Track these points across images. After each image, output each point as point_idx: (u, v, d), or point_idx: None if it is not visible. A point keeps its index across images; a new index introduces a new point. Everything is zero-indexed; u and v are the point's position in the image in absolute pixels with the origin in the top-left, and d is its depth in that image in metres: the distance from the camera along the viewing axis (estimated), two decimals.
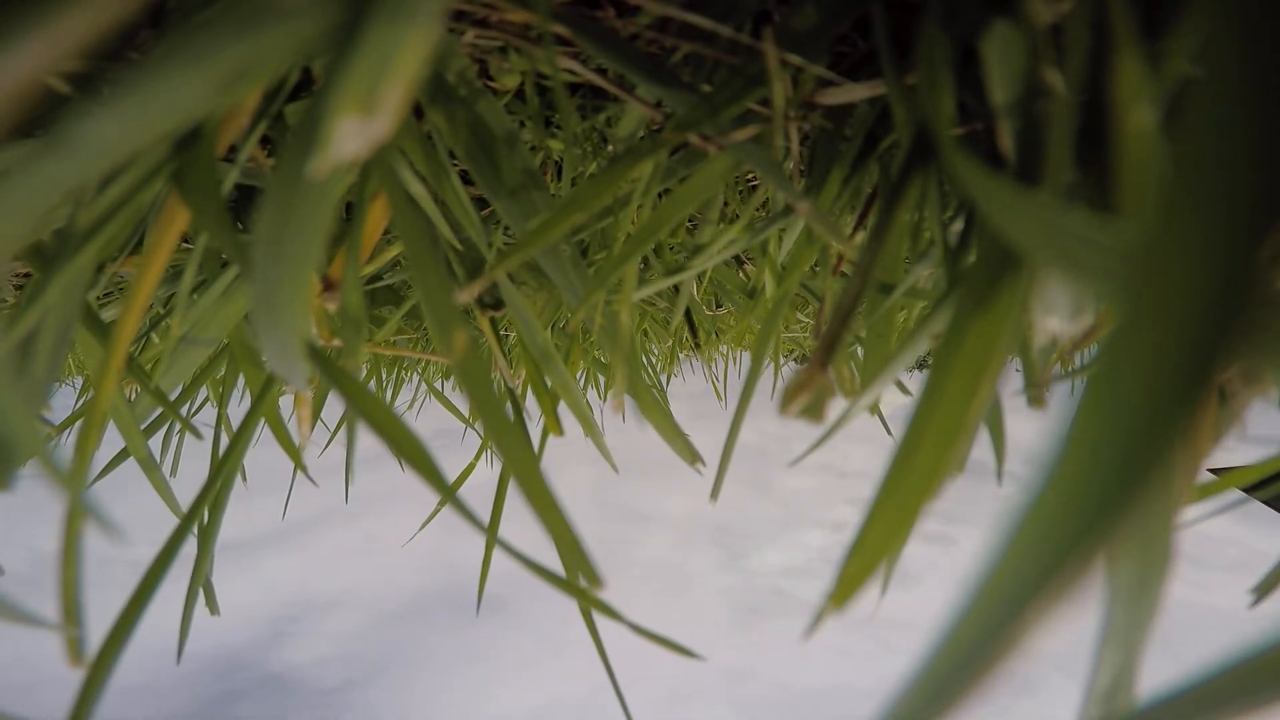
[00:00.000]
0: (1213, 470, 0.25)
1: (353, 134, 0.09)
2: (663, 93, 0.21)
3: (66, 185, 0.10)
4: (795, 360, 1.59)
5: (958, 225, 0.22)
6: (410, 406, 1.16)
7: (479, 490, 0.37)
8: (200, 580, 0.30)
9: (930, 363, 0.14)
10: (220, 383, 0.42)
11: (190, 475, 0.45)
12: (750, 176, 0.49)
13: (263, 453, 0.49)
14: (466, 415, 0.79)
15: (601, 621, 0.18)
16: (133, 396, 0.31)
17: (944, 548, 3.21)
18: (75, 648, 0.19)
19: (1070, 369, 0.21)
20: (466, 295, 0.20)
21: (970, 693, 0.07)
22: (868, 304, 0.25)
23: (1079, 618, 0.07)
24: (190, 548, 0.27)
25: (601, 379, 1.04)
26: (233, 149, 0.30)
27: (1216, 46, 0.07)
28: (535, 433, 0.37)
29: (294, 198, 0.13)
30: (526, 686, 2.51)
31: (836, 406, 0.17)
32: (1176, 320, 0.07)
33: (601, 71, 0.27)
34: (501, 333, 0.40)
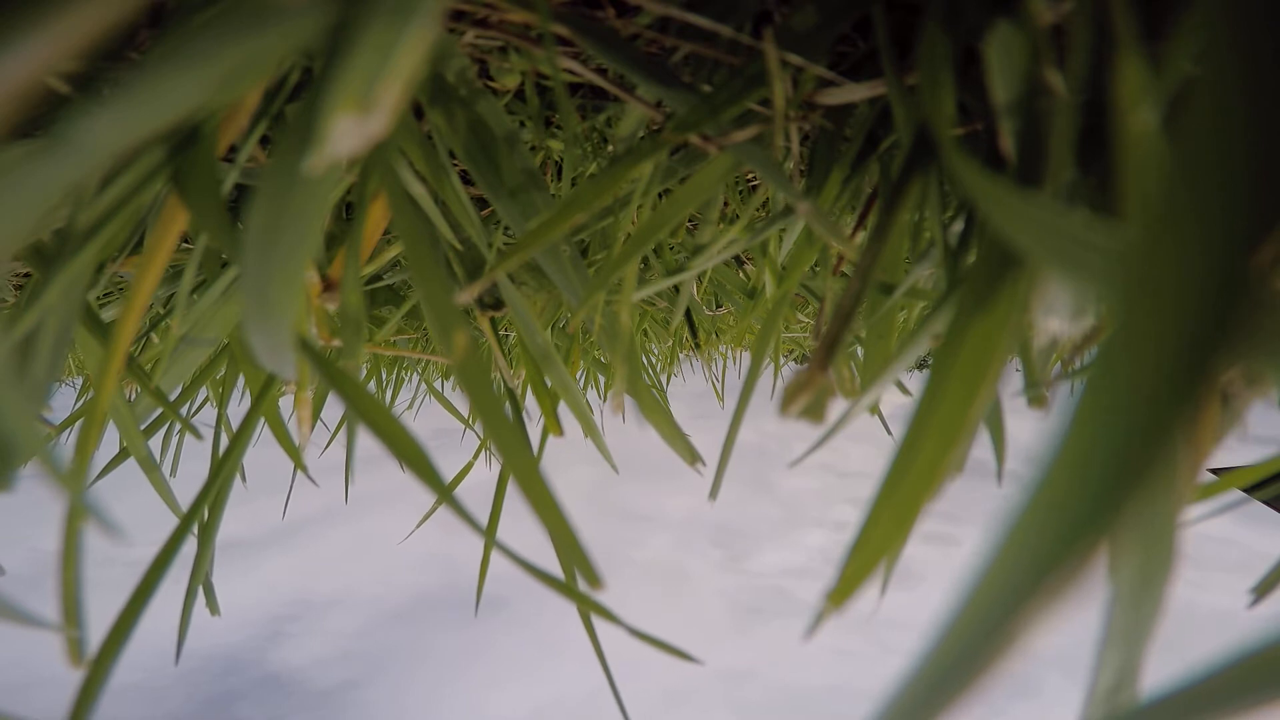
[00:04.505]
0: (1213, 470, 0.25)
1: (349, 132, 0.09)
2: (663, 93, 0.21)
3: (66, 185, 0.10)
4: (795, 360, 1.59)
5: (958, 225, 0.22)
6: (410, 406, 1.16)
7: (480, 490, 0.37)
8: (200, 580, 0.30)
9: (930, 363, 0.14)
10: (220, 383, 0.42)
11: (190, 475, 0.45)
12: (750, 176, 0.49)
13: (263, 453, 0.49)
14: (466, 415, 0.79)
15: (600, 622, 0.18)
16: (133, 396, 0.31)
17: (944, 548, 3.20)
18: (75, 648, 0.19)
19: (1071, 370, 0.21)
20: (466, 295, 0.20)
21: (967, 693, 0.07)
22: (868, 304, 0.25)
23: (1078, 618, 0.07)
24: (190, 548, 0.27)
25: (601, 379, 1.04)
26: (233, 149, 0.30)
27: (1217, 46, 0.07)
28: (535, 433, 0.37)
29: (288, 192, 0.13)
30: (525, 687, 2.51)
31: (836, 407, 0.17)
32: (1175, 320, 0.07)
33: (602, 71, 0.27)
34: (501, 333, 0.40)
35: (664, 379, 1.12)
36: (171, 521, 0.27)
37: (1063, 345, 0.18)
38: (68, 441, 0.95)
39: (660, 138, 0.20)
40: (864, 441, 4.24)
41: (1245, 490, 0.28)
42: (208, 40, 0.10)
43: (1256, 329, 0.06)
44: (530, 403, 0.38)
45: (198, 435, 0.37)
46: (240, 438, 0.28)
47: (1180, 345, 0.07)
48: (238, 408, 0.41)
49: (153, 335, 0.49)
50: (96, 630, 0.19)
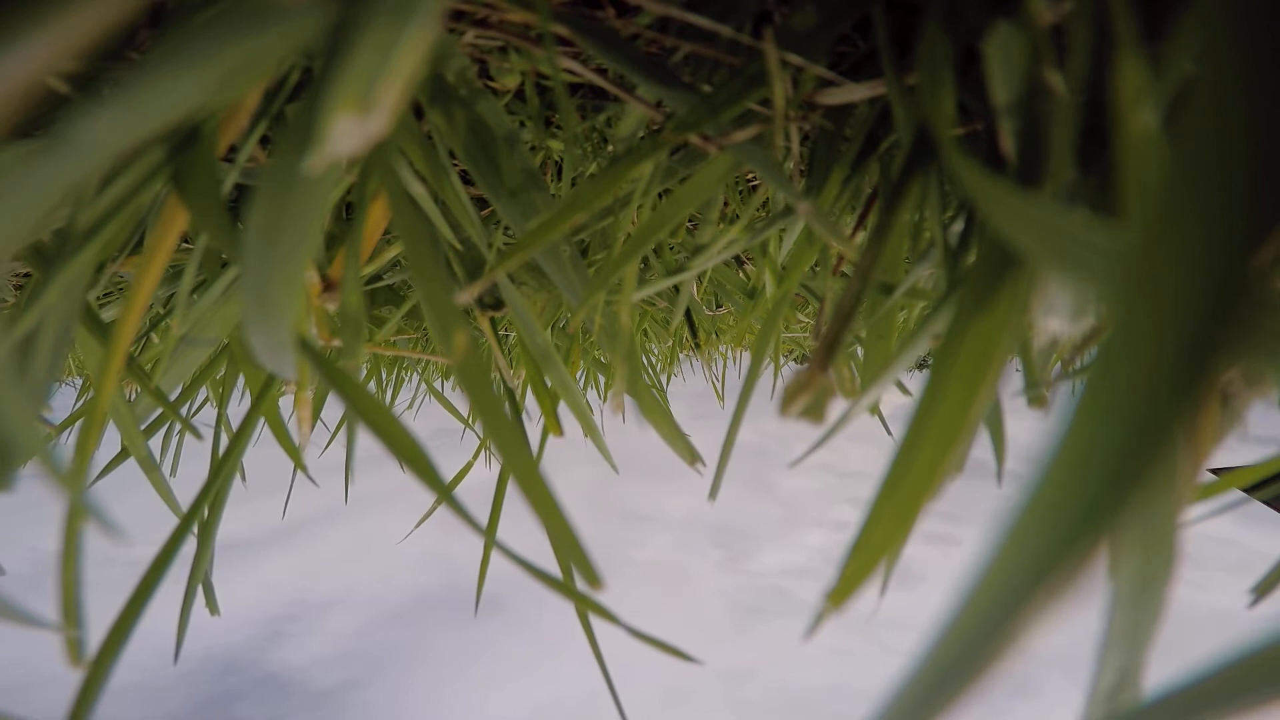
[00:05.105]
0: (1213, 470, 0.25)
1: (349, 132, 0.09)
2: (663, 93, 0.21)
3: (66, 185, 0.10)
4: (795, 360, 1.59)
5: (958, 226, 0.22)
6: (410, 406, 1.16)
7: (480, 490, 0.37)
8: (200, 580, 0.30)
9: (930, 363, 0.14)
10: (220, 383, 0.42)
11: (190, 475, 0.45)
12: (750, 176, 0.49)
13: (263, 453, 0.49)
14: (466, 415, 0.79)
15: (600, 622, 0.18)
16: (133, 396, 0.31)
17: (944, 548, 3.20)
18: (75, 648, 0.19)
19: (1071, 370, 0.21)
20: (466, 295, 0.20)
21: (966, 693, 0.07)
22: (868, 304, 0.25)
23: (1078, 618, 0.07)
24: (190, 548, 0.27)
25: (601, 379, 1.04)
26: (233, 149, 0.30)
27: (1217, 46, 0.07)
28: (535, 433, 0.37)
29: (288, 192, 0.13)
30: (525, 687, 2.50)
31: (836, 407, 0.17)
32: (1175, 320, 0.07)
33: (602, 71, 0.27)
34: (501, 333, 0.40)
35: (664, 379, 1.12)
36: (171, 521, 0.27)
37: (1063, 345, 0.18)
38: (68, 441, 0.95)
39: (660, 138, 0.20)
40: (864, 441, 4.24)
41: (1245, 490, 0.28)
42: (208, 40, 0.10)
43: (1256, 329, 0.06)
44: (530, 403, 0.38)
45: (198, 435, 0.37)
46: (240, 438, 0.28)
47: (1180, 345, 0.07)
48: (238, 408, 0.41)
49: (153, 335, 0.49)
50: (96, 630, 0.19)
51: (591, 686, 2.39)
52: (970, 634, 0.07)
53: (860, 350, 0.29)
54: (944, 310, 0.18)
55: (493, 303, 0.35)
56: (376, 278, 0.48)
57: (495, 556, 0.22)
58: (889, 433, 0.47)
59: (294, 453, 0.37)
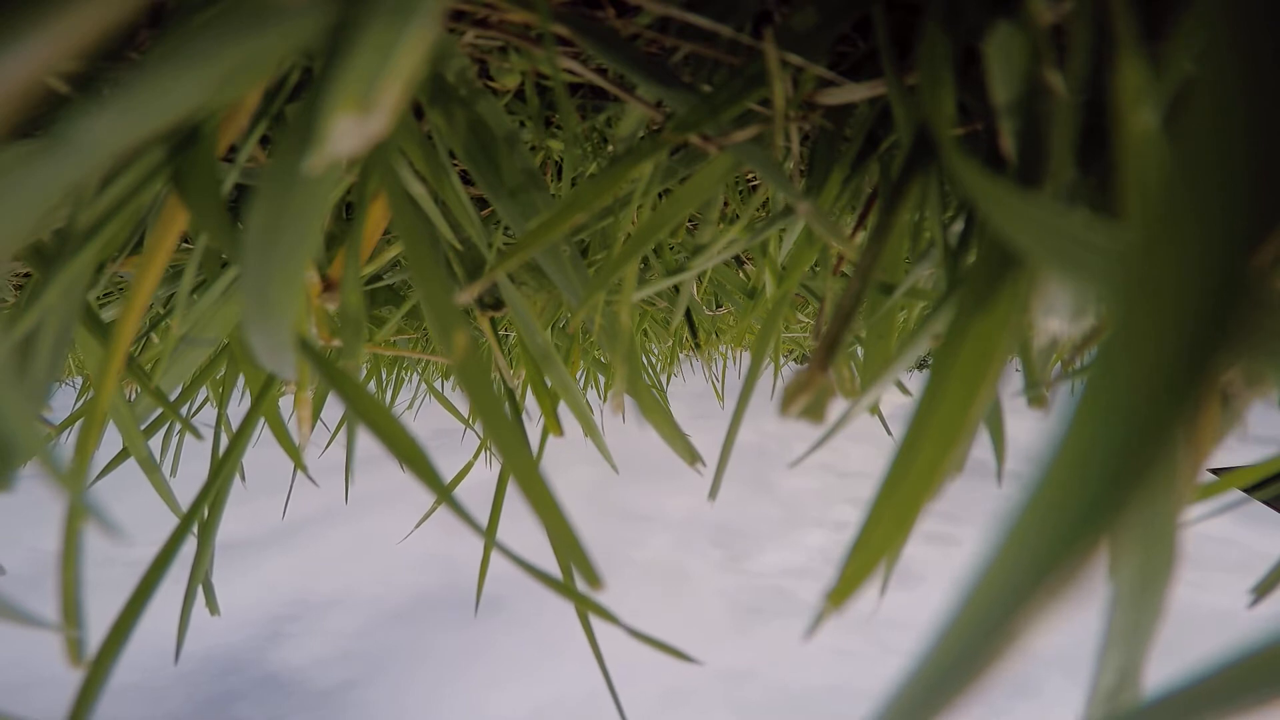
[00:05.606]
0: (1213, 470, 0.25)
1: (349, 132, 0.09)
2: (663, 93, 0.21)
3: (66, 185, 0.10)
4: (795, 360, 1.59)
5: (958, 225, 0.22)
6: (410, 406, 1.16)
7: (480, 490, 0.37)
8: (200, 580, 0.30)
9: (930, 363, 0.14)
10: (220, 383, 0.42)
11: (190, 475, 0.45)
12: (750, 176, 0.49)
13: (263, 453, 0.49)
14: (466, 415, 0.79)
15: (600, 622, 0.18)
16: (133, 396, 0.31)
17: (944, 548, 3.21)
18: (75, 648, 0.19)
19: (1071, 370, 0.21)
20: (466, 295, 0.20)
21: (967, 693, 0.07)
22: (868, 304, 0.25)
23: (1078, 618, 0.07)
24: (190, 548, 0.27)
25: (601, 379, 1.04)
26: (233, 149, 0.30)
27: (1217, 46, 0.07)
28: (535, 433, 0.37)
29: (288, 192, 0.13)
30: (525, 687, 2.51)
31: (836, 407, 0.17)
32: (1175, 320, 0.07)
33: (602, 71, 0.27)
34: (501, 333, 0.40)
35: (664, 379, 1.12)
36: (171, 521, 0.27)
37: (1063, 345, 0.18)
38: (68, 441, 0.95)
39: (660, 138, 0.20)
40: (864, 441, 4.25)
41: (1245, 490, 0.28)
42: (208, 40, 0.10)
43: (1256, 329, 0.06)
44: (530, 403, 0.38)
45: (198, 435, 0.37)
46: (240, 438, 0.28)
47: (1180, 345, 0.07)
48: (238, 408, 0.41)
49: (153, 335, 0.49)
50: (96, 630, 0.19)
51: (591, 686, 2.39)
52: (970, 634, 0.07)
53: (860, 350, 0.29)
54: (944, 310, 0.18)
55: (493, 303, 0.35)
56: (376, 278, 0.48)
57: (495, 557, 0.22)
58: (889, 433, 0.47)
59: (294, 453, 0.37)
